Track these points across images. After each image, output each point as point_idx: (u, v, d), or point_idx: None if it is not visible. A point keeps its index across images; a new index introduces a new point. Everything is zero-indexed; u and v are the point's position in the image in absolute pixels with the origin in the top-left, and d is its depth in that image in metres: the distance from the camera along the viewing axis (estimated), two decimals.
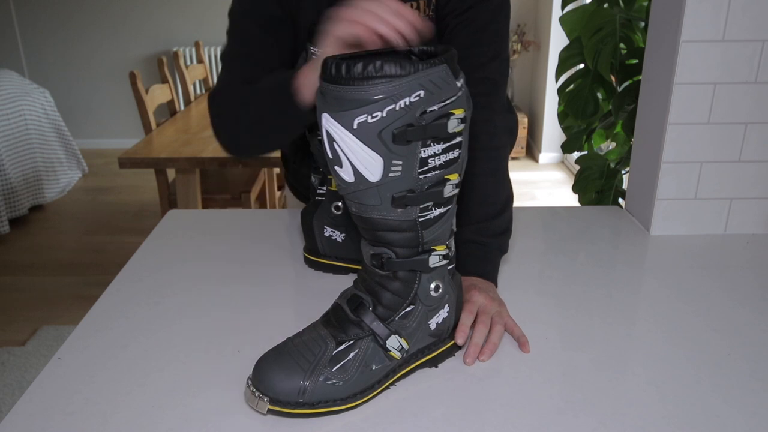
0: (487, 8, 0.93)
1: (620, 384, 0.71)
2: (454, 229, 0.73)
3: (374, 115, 0.59)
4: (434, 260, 0.70)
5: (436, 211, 0.68)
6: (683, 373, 0.73)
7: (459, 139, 0.66)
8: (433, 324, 0.73)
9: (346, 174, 0.64)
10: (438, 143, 0.64)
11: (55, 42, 4.70)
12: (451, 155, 0.65)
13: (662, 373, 0.73)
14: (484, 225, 0.89)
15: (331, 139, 0.63)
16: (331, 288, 0.92)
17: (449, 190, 0.67)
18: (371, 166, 0.62)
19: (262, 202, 2.92)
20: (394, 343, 0.69)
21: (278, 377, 0.65)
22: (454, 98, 0.63)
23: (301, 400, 0.65)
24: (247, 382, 0.67)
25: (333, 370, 0.66)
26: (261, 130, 0.88)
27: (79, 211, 3.69)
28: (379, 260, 0.69)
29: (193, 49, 4.67)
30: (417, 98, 0.60)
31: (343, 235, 0.94)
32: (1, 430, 0.64)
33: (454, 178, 0.67)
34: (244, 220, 1.18)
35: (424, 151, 0.63)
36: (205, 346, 0.79)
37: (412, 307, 0.70)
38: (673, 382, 0.71)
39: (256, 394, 0.65)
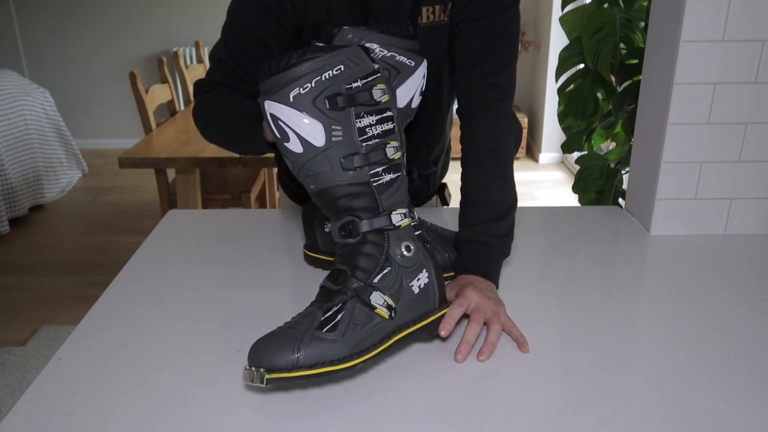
0: (502, 18, 0.96)
1: (620, 384, 0.71)
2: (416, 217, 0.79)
3: (305, 86, 0.72)
4: (397, 218, 0.75)
5: (387, 177, 0.75)
6: (683, 373, 0.73)
7: (389, 112, 0.76)
8: (415, 288, 0.75)
9: (295, 146, 0.73)
10: (371, 115, 0.74)
11: (55, 42, 4.70)
12: (386, 126, 0.76)
13: (662, 373, 0.73)
14: (487, 225, 0.89)
15: (275, 119, 0.73)
16: None
17: (391, 152, 0.76)
18: (314, 132, 0.72)
19: (262, 202, 2.92)
20: (378, 299, 0.71)
21: (272, 350, 0.66)
22: (373, 75, 0.75)
23: (298, 363, 0.66)
24: (244, 368, 0.67)
25: (324, 331, 0.68)
26: (228, 140, 0.97)
27: (79, 211, 3.68)
28: (346, 229, 0.74)
29: (193, 49, 4.67)
30: (338, 71, 0.73)
31: None
32: (1, 430, 0.64)
33: (394, 142, 0.76)
34: (244, 220, 1.18)
35: (360, 122, 0.74)
36: (205, 346, 0.79)
37: (388, 268, 0.74)
38: (673, 382, 0.71)
39: (253, 369, 0.66)
